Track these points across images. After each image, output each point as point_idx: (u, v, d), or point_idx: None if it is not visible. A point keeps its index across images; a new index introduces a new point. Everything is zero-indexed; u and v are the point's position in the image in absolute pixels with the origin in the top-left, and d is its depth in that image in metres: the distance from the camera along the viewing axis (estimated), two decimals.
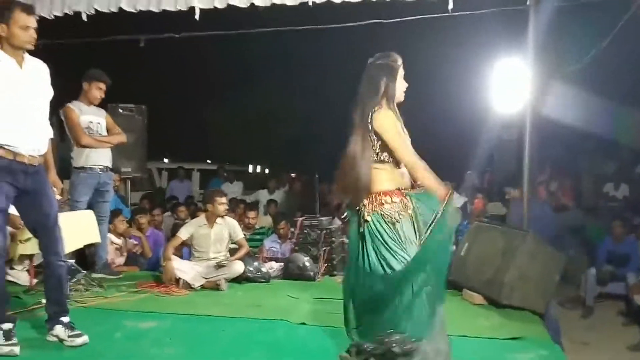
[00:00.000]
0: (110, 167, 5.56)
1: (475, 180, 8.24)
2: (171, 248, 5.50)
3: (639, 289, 5.86)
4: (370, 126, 3.00)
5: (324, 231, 6.08)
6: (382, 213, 2.99)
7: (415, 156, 2.97)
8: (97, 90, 5.34)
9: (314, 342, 3.71)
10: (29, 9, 3.35)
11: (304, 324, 4.08)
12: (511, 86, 5.40)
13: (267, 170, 18.91)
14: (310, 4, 5.53)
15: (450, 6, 5.12)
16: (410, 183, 3.09)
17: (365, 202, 3.03)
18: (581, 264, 6.78)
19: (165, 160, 13.73)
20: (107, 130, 5.49)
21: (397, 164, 3.06)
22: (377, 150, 3.03)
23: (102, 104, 6.22)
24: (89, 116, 5.34)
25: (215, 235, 5.63)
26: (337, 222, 6.52)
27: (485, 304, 4.73)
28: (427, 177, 2.94)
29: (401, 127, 3.07)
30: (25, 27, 3.30)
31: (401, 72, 3.11)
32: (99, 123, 5.41)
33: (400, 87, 3.11)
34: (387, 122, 2.99)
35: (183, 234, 5.58)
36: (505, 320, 4.29)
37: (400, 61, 3.10)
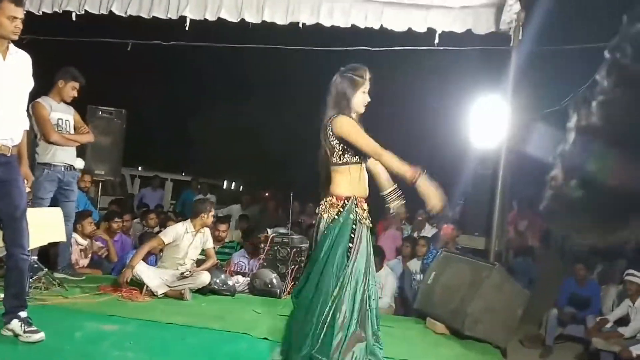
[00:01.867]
0: (74, 165, 5.50)
1: (448, 211, 8.35)
2: (147, 248, 5.42)
3: (597, 332, 5.96)
4: (330, 132, 3.13)
5: (294, 249, 6.07)
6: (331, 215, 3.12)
7: (380, 147, 3.07)
8: (72, 90, 5.31)
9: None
10: (17, 1, 3.35)
11: (266, 339, 4.06)
12: (489, 122, 5.53)
13: (240, 187, 18.86)
14: (300, 25, 5.63)
15: (436, 40, 5.27)
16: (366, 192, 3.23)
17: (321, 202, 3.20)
18: (543, 303, 6.87)
19: (139, 168, 13.58)
20: (75, 129, 5.45)
21: (362, 165, 3.18)
22: (340, 153, 3.15)
23: (82, 105, 6.20)
24: (59, 113, 5.30)
25: (195, 243, 5.59)
26: (307, 242, 6.53)
27: (448, 333, 4.76)
28: (392, 160, 3.07)
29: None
30: (12, 17, 3.30)
31: (365, 86, 3.23)
32: (67, 120, 5.36)
33: (361, 100, 3.22)
34: (346, 123, 3.12)
35: (167, 237, 5.50)
36: (466, 351, 4.33)
37: (366, 75, 3.22)
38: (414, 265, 6.82)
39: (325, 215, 3.16)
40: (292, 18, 5.63)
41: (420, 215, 8.14)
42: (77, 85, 5.32)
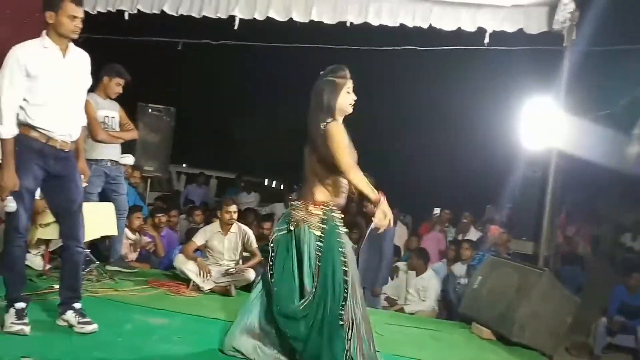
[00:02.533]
0: (119, 161, 5.58)
1: (495, 214, 8.20)
2: (187, 251, 5.54)
3: None
4: (325, 139, 3.17)
5: None
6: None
7: (353, 165, 3.15)
8: (117, 86, 5.34)
9: None
10: (78, 0, 3.44)
11: None
12: (540, 124, 5.40)
13: (282, 186, 18.94)
14: (348, 24, 5.61)
15: (486, 40, 5.17)
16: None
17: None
18: (591, 311, 6.67)
19: (184, 165, 13.82)
20: (120, 125, 5.52)
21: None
22: (331, 161, 3.19)
23: (133, 103, 6.34)
24: (105, 110, 5.34)
25: (229, 243, 5.65)
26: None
27: (494, 339, 4.68)
28: (360, 180, 3.12)
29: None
30: (72, 16, 3.39)
31: (348, 86, 3.26)
32: (113, 117, 5.41)
33: (346, 100, 3.26)
34: (337, 133, 3.15)
35: (198, 239, 5.62)
36: (513, 358, 4.25)
37: (347, 75, 3.26)
38: (459, 268, 6.72)
39: (307, 225, 3.20)
40: (340, 17, 5.62)
41: (466, 217, 8.02)
42: (121, 81, 5.36)
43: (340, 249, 3.16)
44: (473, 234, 7.84)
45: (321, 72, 3.28)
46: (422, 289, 6.64)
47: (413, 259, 6.71)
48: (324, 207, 3.20)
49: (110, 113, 5.40)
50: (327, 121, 3.18)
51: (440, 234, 8.28)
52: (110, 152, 5.42)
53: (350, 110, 3.29)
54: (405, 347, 4.10)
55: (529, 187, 5.71)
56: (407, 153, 14.32)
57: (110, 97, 5.40)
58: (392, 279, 7.19)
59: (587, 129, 5.72)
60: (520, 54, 5.56)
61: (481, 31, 5.35)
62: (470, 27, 5.40)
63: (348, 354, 3.07)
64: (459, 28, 5.41)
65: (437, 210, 8.99)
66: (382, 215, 3.06)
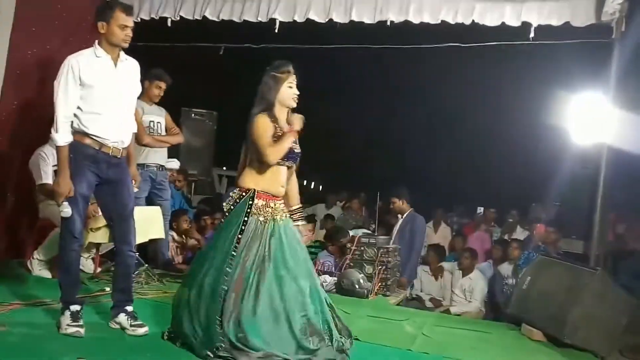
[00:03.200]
0: (165, 166, 5.70)
1: (542, 213, 8.01)
2: None
3: None
4: (250, 131, 3.40)
5: (380, 250, 6.02)
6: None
7: (268, 147, 3.33)
8: (157, 89, 5.46)
9: (366, 358, 3.67)
10: (128, 10, 3.54)
11: (357, 339, 4.04)
12: (590, 119, 5.24)
13: (320, 187, 18.99)
14: (389, 23, 5.56)
15: (532, 34, 5.05)
16: (281, 190, 3.46)
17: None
18: None
19: (224, 168, 13.98)
20: (166, 130, 5.62)
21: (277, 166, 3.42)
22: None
23: (177, 107, 6.43)
24: (150, 116, 5.46)
25: None
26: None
27: (545, 341, 4.56)
28: (277, 150, 3.33)
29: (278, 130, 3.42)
30: (123, 26, 3.49)
31: (289, 81, 3.45)
32: (159, 122, 5.53)
33: (288, 93, 3.46)
34: (260, 125, 3.37)
35: None
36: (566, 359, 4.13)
37: (290, 70, 3.45)
38: (505, 269, 6.60)
39: (226, 207, 3.42)
40: (381, 17, 5.58)
41: (512, 216, 7.87)
42: (161, 84, 5.46)
43: (232, 231, 3.29)
44: (520, 233, 7.68)
45: (267, 67, 3.48)
46: (468, 290, 6.55)
47: (464, 259, 6.62)
48: (241, 192, 3.40)
49: (156, 118, 5.51)
50: (256, 113, 3.40)
51: (485, 233, 8.15)
52: (157, 156, 5.53)
53: (291, 103, 3.48)
54: (454, 349, 4.03)
55: (579, 184, 5.57)
56: (451, 152, 14.12)
57: (153, 101, 5.50)
58: (436, 279, 7.12)
59: (638, 124, 5.53)
60: (568, 48, 5.40)
61: (526, 25, 5.23)
62: (514, 22, 5.29)
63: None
64: (503, 23, 5.31)
65: (480, 210, 8.86)
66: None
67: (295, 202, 3.68)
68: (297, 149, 3.56)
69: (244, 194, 3.40)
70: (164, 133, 5.58)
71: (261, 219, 3.35)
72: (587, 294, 4.43)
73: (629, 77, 5.18)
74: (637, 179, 7.85)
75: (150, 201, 5.54)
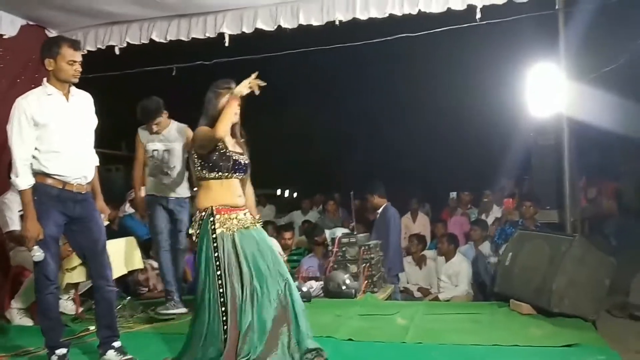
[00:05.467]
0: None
1: (514, 188, 8.14)
2: None
3: None
4: (194, 141, 3.48)
5: (362, 247, 6.03)
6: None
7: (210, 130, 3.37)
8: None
9: (362, 357, 3.70)
10: (76, 44, 3.50)
11: (350, 339, 4.04)
12: (545, 91, 5.35)
13: (295, 194, 18.96)
14: (337, 22, 5.57)
15: (478, 15, 5.11)
16: (239, 200, 3.48)
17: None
18: (626, 269, 6.54)
19: (195, 189, 13.85)
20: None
21: (222, 180, 3.43)
22: (199, 168, 3.44)
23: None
24: (153, 144, 5.01)
25: None
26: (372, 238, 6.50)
27: (535, 313, 4.62)
28: (223, 120, 3.34)
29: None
30: (72, 61, 3.44)
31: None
32: (166, 151, 5.01)
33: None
34: (199, 133, 3.44)
35: None
36: (558, 328, 4.18)
37: (228, 85, 3.52)
38: (487, 248, 6.68)
39: (192, 232, 3.46)
40: (328, 17, 5.57)
41: (486, 196, 7.97)
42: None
43: (208, 253, 3.32)
44: (497, 212, 7.78)
45: (210, 85, 3.57)
46: (453, 274, 6.60)
47: (443, 244, 6.67)
48: (201, 213, 3.41)
49: (160, 146, 5.02)
50: (200, 125, 3.47)
51: (463, 217, 8.24)
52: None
53: (232, 119, 3.50)
54: (448, 335, 4.07)
55: (544, 155, 5.66)
56: (418, 141, 14.26)
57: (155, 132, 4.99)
58: (420, 268, 7.16)
59: (592, 90, 5.66)
60: (515, 24, 5.49)
61: (471, 8, 5.29)
62: (459, 6, 5.34)
63: None
64: (449, 9, 5.37)
65: (453, 194, 8.94)
66: (246, 86, 3.38)
67: (254, 213, 3.67)
68: (245, 160, 3.58)
69: (203, 214, 3.40)
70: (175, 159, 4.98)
71: (227, 232, 3.35)
72: (568, 261, 4.51)
73: (577, 45, 5.30)
74: (597, 143, 8.07)
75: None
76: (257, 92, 3.41)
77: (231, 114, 3.41)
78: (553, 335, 4.00)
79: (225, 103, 3.44)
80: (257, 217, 3.69)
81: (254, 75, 3.41)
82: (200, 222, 3.39)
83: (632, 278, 6.19)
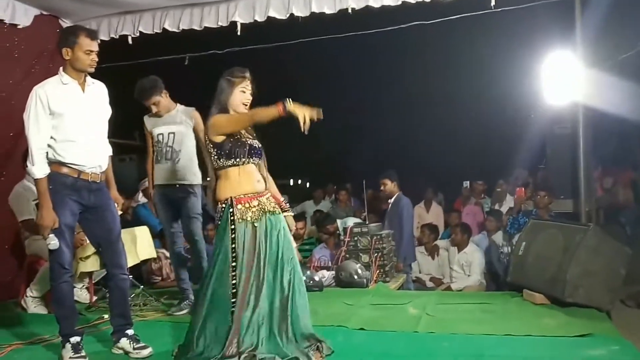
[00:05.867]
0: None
1: (528, 178, 8.06)
2: None
3: None
4: (206, 137, 3.41)
5: (374, 237, 6.03)
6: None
7: (242, 115, 3.39)
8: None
9: (374, 346, 3.67)
10: (92, 34, 3.49)
11: (362, 329, 4.05)
12: (561, 79, 5.27)
13: (307, 184, 18.94)
14: (350, 10, 5.53)
15: (493, 2, 5.04)
16: (258, 185, 3.41)
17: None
18: None
19: (208, 178, 13.85)
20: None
21: (240, 166, 3.38)
22: (216, 158, 3.37)
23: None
24: (158, 128, 4.84)
25: None
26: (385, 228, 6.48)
27: (548, 303, 4.59)
28: (258, 114, 3.31)
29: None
30: (89, 51, 3.44)
31: (243, 85, 3.43)
32: (171, 133, 4.82)
33: (238, 98, 3.42)
34: (216, 121, 3.35)
35: None
36: (572, 318, 4.15)
37: (245, 75, 3.44)
38: (500, 238, 6.64)
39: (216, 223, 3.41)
40: (341, 5, 5.53)
41: (500, 186, 7.90)
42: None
43: (225, 243, 3.28)
44: (510, 201, 7.72)
45: (223, 72, 3.49)
46: (466, 264, 6.58)
47: (457, 234, 6.65)
48: (221, 204, 3.37)
49: (164, 129, 4.84)
50: (209, 117, 3.40)
51: (476, 206, 8.19)
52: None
53: (242, 109, 3.45)
54: (460, 325, 4.05)
55: (560, 144, 5.59)
56: (431, 131, 14.15)
57: (157, 115, 4.81)
58: (433, 258, 7.15)
59: (609, 77, 5.57)
60: (531, 11, 5.41)
61: None
62: None
63: None
64: None
65: (466, 184, 8.89)
66: (301, 111, 3.14)
67: (278, 197, 3.62)
68: (257, 144, 3.51)
69: (223, 205, 3.36)
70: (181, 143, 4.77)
71: (247, 221, 3.31)
72: (583, 251, 4.47)
73: (594, 32, 5.21)
74: (614, 131, 7.95)
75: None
76: (306, 125, 3.18)
77: (268, 114, 3.27)
78: (566, 325, 3.97)
79: (237, 92, 3.41)
80: (282, 199, 3.64)
81: (318, 113, 3.19)
82: (222, 213, 3.35)
83: None
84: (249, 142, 3.43)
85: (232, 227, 3.28)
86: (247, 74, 3.46)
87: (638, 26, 5.55)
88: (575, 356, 3.35)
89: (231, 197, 3.34)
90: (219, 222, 3.36)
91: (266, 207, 3.39)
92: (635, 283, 6.26)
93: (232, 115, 3.40)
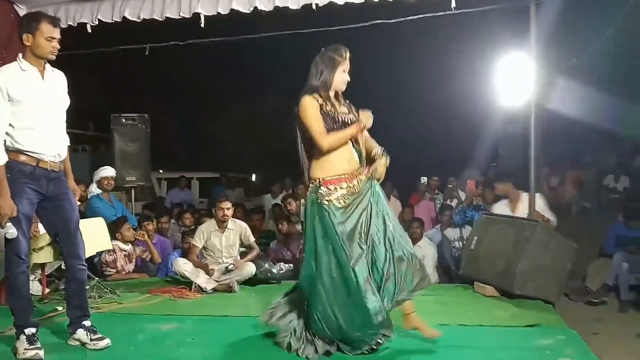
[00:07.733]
0: None
1: (479, 175, 8.30)
2: (192, 259, 5.51)
3: None
4: (298, 114, 3.33)
5: None
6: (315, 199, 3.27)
7: (323, 134, 3.26)
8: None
9: None
10: (54, 21, 3.43)
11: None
12: (515, 81, 5.46)
13: (265, 179, 18.89)
14: (314, 6, 5.55)
15: (453, 4, 5.16)
16: (348, 165, 3.34)
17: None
18: (584, 255, 6.74)
19: (160, 170, 13.62)
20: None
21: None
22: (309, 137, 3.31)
23: (106, 115, 6.01)
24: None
25: (227, 239, 5.66)
26: None
27: (498, 295, 4.79)
28: (339, 136, 3.27)
29: (333, 113, 3.32)
30: (50, 38, 3.37)
31: (344, 65, 3.37)
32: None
33: (340, 78, 3.37)
34: (307, 106, 3.28)
35: (197, 242, 5.61)
36: (521, 310, 4.36)
37: (345, 54, 3.37)
38: (452, 233, 6.83)
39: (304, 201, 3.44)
40: (305, 0, 5.56)
41: (451, 182, 8.12)
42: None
43: (315, 223, 3.27)
44: (461, 197, 7.94)
45: (323, 49, 3.38)
46: (419, 258, 6.71)
47: (415, 229, 6.76)
48: (313, 184, 3.33)
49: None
50: (303, 94, 3.32)
51: (430, 202, 8.38)
52: None
53: (342, 88, 3.40)
54: None
55: (512, 144, 5.79)
56: (390, 127, 14.35)
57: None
58: None
59: (561, 80, 5.81)
60: (489, 14, 5.57)
61: None
62: None
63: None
64: None
65: (424, 180, 9.07)
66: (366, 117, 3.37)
67: (376, 149, 3.54)
68: (353, 119, 3.41)
69: (312, 185, 3.33)
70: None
71: (337, 203, 3.25)
72: (532, 245, 4.68)
73: (548, 36, 5.41)
74: (564, 132, 8.30)
75: None
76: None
77: (347, 136, 3.31)
78: (516, 316, 4.18)
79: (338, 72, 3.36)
80: (383, 162, 3.51)
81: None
82: (312, 193, 3.30)
83: (589, 263, 6.44)
84: (344, 118, 3.35)
85: (313, 208, 3.27)
86: (348, 54, 3.38)
87: (588, 32, 5.80)
88: (525, 345, 3.52)
89: (319, 179, 3.29)
90: (306, 204, 3.33)
91: (355, 189, 3.32)
92: (576, 277, 6.57)
93: (316, 123, 3.29)
